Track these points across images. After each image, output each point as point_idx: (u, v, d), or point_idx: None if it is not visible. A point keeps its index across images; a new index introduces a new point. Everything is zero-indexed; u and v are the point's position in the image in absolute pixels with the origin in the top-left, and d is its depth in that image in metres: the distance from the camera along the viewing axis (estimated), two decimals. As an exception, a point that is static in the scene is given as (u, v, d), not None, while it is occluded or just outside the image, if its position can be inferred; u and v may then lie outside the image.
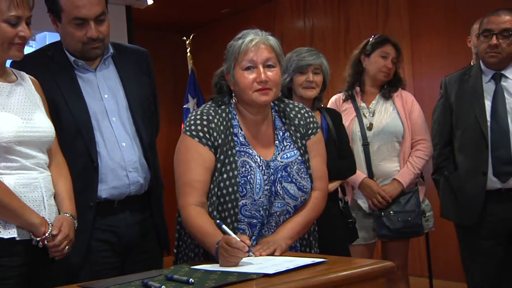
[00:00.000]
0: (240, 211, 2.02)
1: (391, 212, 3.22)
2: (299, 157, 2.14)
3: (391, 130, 3.29)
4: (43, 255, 1.94)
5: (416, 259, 4.77)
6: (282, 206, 2.09)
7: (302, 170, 2.12)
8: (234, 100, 2.14)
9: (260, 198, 2.04)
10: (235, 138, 2.09)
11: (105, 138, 2.28)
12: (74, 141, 2.23)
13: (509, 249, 2.91)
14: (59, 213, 2.01)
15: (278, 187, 2.07)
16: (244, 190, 2.02)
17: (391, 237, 3.24)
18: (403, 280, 3.34)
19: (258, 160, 2.07)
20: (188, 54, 5.80)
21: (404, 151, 3.30)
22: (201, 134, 2.05)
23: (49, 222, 1.92)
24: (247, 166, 2.05)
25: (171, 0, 5.99)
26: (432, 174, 3.19)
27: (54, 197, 2.03)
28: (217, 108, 2.12)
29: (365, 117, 3.34)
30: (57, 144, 2.10)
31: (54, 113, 2.16)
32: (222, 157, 2.04)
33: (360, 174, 3.24)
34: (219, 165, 2.03)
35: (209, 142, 2.04)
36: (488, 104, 2.90)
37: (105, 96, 2.32)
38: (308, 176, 2.13)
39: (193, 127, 2.06)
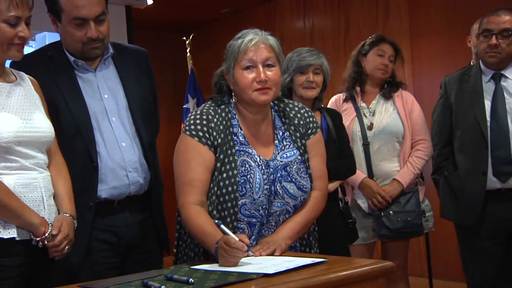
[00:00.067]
0: (239, 210, 2.03)
1: (391, 212, 3.22)
2: (299, 157, 2.14)
3: (392, 130, 3.30)
4: (43, 255, 1.94)
5: (416, 259, 4.77)
6: (281, 205, 2.09)
7: (301, 170, 2.12)
8: (233, 100, 2.14)
9: (259, 197, 2.04)
10: (235, 138, 2.09)
11: (105, 138, 2.28)
12: (74, 141, 2.23)
13: (509, 249, 2.91)
14: (59, 213, 2.01)
15: (277, 187, 2.07)
16: (243, 189, 2.02)
17: (391, 237, 3.25)
18: (403, 280, 3.34)
19: (258, 159, 2.08)
20: (188, 54, 5.80)
21: (404, 151, 3.31)
22: (200, 133, 2.05)
23: (49, 222, 1.93)
24: (247, 166, 2.05)
25: (171, 0, 6.00)
26: (432, 174, 3.19)
27: (54, 197, 2.03)
28: (216, 108, 2.12)
29: (366, 117, 3.34)
30: (56, 144, 2.10)
31: (54, 113, 2.16)
32: (221, 156, 2.04)
33: (360, 174, 3.24)
34: (218, 164, 2.03)
35: (208, 142, 2.04)
36: (487, 104, 2.90)
37: (105, 96, 2.32)
38: (307, 175, 2.13)
39: (192, 127, 2.06)
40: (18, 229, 1.87)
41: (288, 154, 2.13)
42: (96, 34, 2.22)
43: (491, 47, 2.87)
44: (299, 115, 2.21)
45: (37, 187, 1.95)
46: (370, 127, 3.31)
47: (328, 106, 3.38)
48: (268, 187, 2.06)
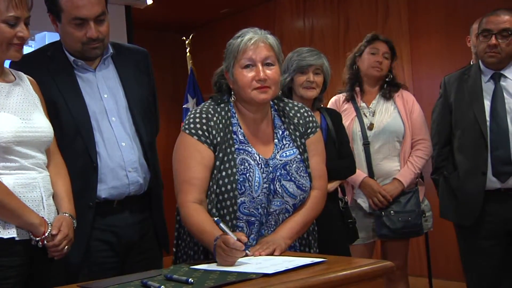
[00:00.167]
0: (238, 208, 2.03)
1: (392, 212, 3.22)
2: (298, 156, 2.14)
3: (392, 130, 3.30)
4: (43, 255, 1.94)
5: (416, 259, 4.77)
6: (281, 204, 2.09)
7: (301, 169, 2.12)
8: (233, 99, 2.14)
9: (259, 196, 2.04)
10: (234, 136, 2.09)
11: (104, 138, 2.28)
12: (73, 141, 2.23)
13: (509, 248, 2.91)
14: (58, 213, 2.01)
15: (277, 185, 2.07)
16: (242, 187, 2.02)
17: (391, 237, 3.25)
18: (402, 280, 3.34)
19: (257, 158, 2.08)
20: (188, 54, 5.80)
21: (404, 151, 3.31)
22: (200, 132, 2.05)
23: (48, 222, 1.93)
24: (246, 164, 2.05)
25: (170, 0, 5.99)
26: (431, 174, 3.19)
27: (53, 197, 2.03)
28: (216, 107, 2.12)
29: (366, 116, 3.34)
30: (55, 144, 2.10)
31: (53, 113, 2.16)
32: (221, 155, 2.04)
33: (361, 174, 3.25)
34: (218, 162, 2.04)
35: (208, 140, 2.05)
36: (487, 104, 2.90)
37: (105, 96, 2.32)
38: (307, 174, 2.13)
39: (192, 125, 2.07)
40: (17, 229, 1.87)
41: (288, 153, 2.13)
42: (96, 34, 2.22)
43: (491, 47, 2.87)
44: (298, 115, 2.21)
45: (37, 187, 1.95)
46: (370, 127, 3.31)
47: (328, 106, 3.38)
48: (267, 185, 2.06)
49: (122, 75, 2.38)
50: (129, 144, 2.31)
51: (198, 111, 2.11)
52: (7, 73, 2.03)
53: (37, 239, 1.89)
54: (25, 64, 2.15)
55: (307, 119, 2.21)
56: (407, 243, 3.36)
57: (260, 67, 2.05)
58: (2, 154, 1.87)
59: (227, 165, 2.03)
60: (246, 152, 2.08)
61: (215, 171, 2.03)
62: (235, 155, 2.05)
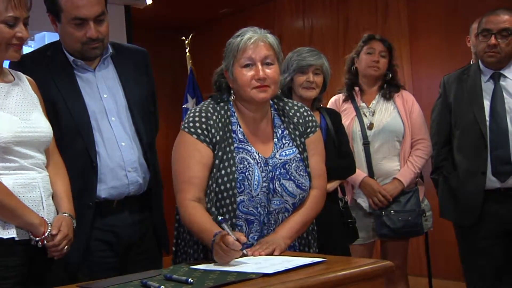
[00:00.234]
0: (238, 207, 2.03)
1: (392, 211, 3.22)
2: (298, 155, 2.14)
3: (392, 129, 3.30)
4: (42, 255, 1.94)
5: (416, 259, 4.77)
6: (280, 203, 2.09)
7: (300, 168, 2.12)
8: (232, 97, 2.15)
9: (258, 195, 2.04)
10: (234, 135, 2.10)
11: (104, 138, 2.28)
12: (73, 141, 2.23)
13: (508, 248, 2.91)
14: (58, 213, 2.01)
15: (276, 184, 2.07)
16: (242, 186, 2.02)
17: (391, 236, 3.25)
18: (402, 279, 3.34)
19: (257, 157, 2.08)
20: (187, 54, 5.79)
21: (404, 151, 3.31)
22: (199, 131, 2.06)
23: (48, 222, 1.92)
24: (246, 163, 2.05)
25: (170, 0, 5.99)
26: (431, 174, 3.19)
27: (52, 197, 2.03)
28: (215, 105, 2.13)
29: (365, 116, 3.34)
30: (54, 144, 2.10)
31: (53, 113, 2.17)
32: (220, 153, 2.05)
33: (361, 173, 3.25)
34: (217, 161, 2.04)
35: (207, 139, 2.05)
36: (487, 103, 2.90)
37: (104, 96, 2.32)
38: (306, 174, 2.13)
39: (191, 124, 2.07)
40: (17, 229, 1.87)
41: (287, 152, 2.14)
42: (95, 34, 2.22)
43: (490, 47, 2.87)
44: (298, 114, 2.21)
45: (36, 187, 1.95)
46: (370, 126, 3.31)
47: (328, 106, 3.38)
48: (266, 184, 2.06)
49: (122, 75, 2.38)
50: (128, 144, 2.31)
51: (197, 110, 2.11)
52: (6, 73, 2.03)
53: (37, 239, 1.89)
54: (25, 64, 2.15)
55: (307, 118, 2.21)
56: (407, 243, 3.36)
57: (260, 66, 2.05)
58: (1, 154, 1.87)
59: (226, 164, 2.04)
60: (246, 151, 2.08)
61: (214, 170, 2.04)
62: (234, 154, 2.06)
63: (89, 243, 2.24)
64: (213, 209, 2.03)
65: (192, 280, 1.59)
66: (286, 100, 2.26)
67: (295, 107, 2.23)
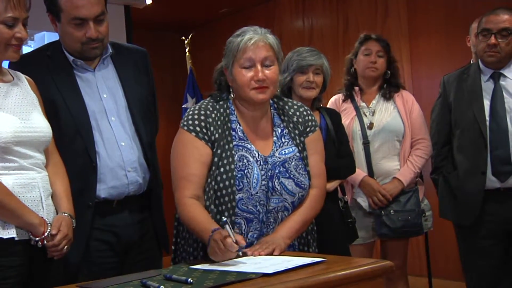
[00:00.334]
0: (236, 205, 2.03)
1: (392, 211, 3.22)
2: (297, 154, 2.14)
3: (392, 129, 3.30)
4: (42, 255, 1.94)
5: (415, 259, 4.77)
6: (279, 202, 2.09)
7: (300, 167, 2.12)
8: (232, 96, 2.15)
9: (257, 193, 2.05)
10: (233, 133, 2.10)
11: (104, 138, 2.28)
12: (73, 140, 2.23)
13: (508, 248, 2.91)
14: (57, 213, 2.01)
15: (275, 183, 2.07)
16: (241, 184, 2.03)
17: (391, 236, 3.25)
18: (402, 279, 3.34)
19: (256, 155, 2.08)
20: (187, 53, 5.80)
21: (404, 150, 3.31)
22: (198, 128, 2.06)
23: (48, 222, 1.92)
24: (245, 161, 2.06)
25: (170, 0, 5.99)
26: (431, 173, 3.19)
27: (52, 197, 2.03)
28: (215, 104, 2.13)
29: (365, 116, 3.34)
30: (53, 144, 2.10)
31: (53, 112, 2.16)
32: (219, 151, 2.05)
33: (360, 173, 3.24)
34: (216, 159, 2.04)
35: (205, 137, 2.06)
36: (487, 103, 2.90)
37: (104, 96, 2.32)
38: (306, 172, 2.13)
39: (190, 122, 2.08)
40: (17, 229, 1.87)
41: (287, 151, 2.14)
42: (95, 34, 2.22)
43: (490, 46, 2.87)
44: (298, 113, 2.21)
45: (36, 187, 1.95)
46: (370, 126, 3.31)
47: (328, 106, 3.38)
48: (266, 183, 2.06)
49: (122, 75, 2.38)
50: (128, 144, 2.31)
51: (196, 108, 2.12)
52: (5, 73, 2.03)
53: (37, 239, 1.89)
54: (25, 64, 2.15)
55: (306, 117, 2.22)
56: (407, 243, 3.36)
57: (259, 68, 2.05)
58: (1, 154, 1.87)
59: (225, 161, 2.04)
60: (245, 149, 2.08)
61: (213, 168, 2.04)
62: (233, 152, 2.06)
63: (89, 243, 2.23)
64: (212, 206, 2.03)
65: (191, 280, 1.59)
66: (285, 99, 2.27)
67: (295, 107, 2.23)
